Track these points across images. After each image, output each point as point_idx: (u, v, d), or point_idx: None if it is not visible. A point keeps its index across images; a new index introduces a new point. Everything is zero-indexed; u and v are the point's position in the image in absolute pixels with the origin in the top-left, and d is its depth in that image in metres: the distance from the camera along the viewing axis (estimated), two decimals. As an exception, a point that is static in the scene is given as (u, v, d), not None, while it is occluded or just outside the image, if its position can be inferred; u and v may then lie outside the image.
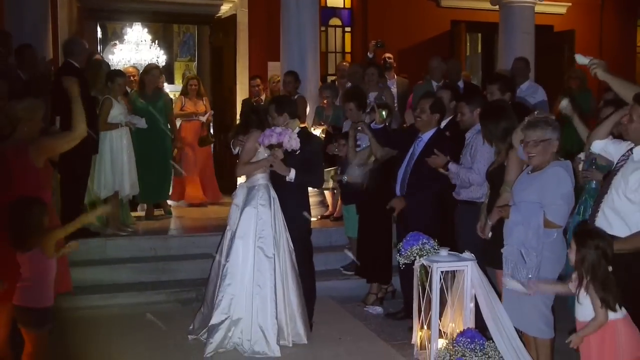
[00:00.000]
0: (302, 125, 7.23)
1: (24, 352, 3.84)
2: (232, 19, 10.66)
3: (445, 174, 5.04)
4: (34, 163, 4.17)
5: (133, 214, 7.51)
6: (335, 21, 12.11)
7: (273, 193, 5.02)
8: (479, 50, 14.18)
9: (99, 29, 12.05)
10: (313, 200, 7.57)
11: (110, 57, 15.36)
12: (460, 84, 7.81)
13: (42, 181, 4.28)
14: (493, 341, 4.18)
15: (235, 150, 5.28)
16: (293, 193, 5.08)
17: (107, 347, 4.94)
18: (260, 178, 5.01)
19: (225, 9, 11.17)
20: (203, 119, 8.52)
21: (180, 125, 8.44)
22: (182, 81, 13.37)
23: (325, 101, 7.57)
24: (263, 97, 8.62)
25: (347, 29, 12.12)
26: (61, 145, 4.38)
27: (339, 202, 7.29)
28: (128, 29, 16.01)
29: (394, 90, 8.19)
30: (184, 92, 8.71)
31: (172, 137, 7.83)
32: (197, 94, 8.63)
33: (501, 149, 4.54)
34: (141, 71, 8.24)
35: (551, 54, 10.69)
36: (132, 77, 8.03)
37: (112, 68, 8.52)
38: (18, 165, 4.15)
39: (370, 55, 8.70)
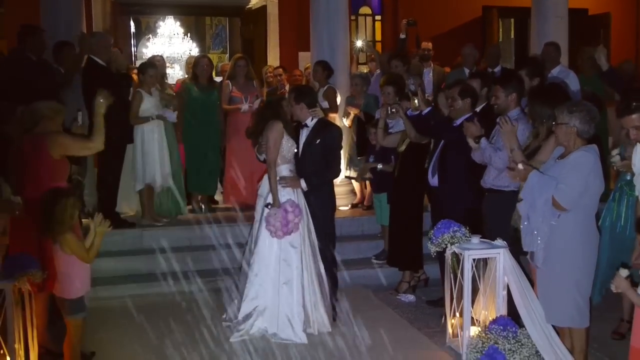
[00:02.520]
0: (333, 115, 7.28)
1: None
2: (262, 10, 10.73)
3: (474, 146, 4.97)
4: (50, 154, 4.36)
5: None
6: (365, 10, 12.07)
7: None
8: (512, 36, 13.97)
9: (132, 23, 12.17)
10: (343, 189, 7.62)
11: (143, 50, 15.57)
12: (498, 69, 7.73)
13: (57, 173, 4.44)
14: (525, 329, 4.17)
15: (262, 157, 5.18)
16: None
17: (142, 334, 5.05)
18: (284, 169, 5.04)
19: (255, 0, 11.23)
20: (245, 107, 7.26)
21: (230, 113, 7.50)
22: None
23: (355, 89, 7.53)
24: (287, 87, 8.58)
25: (377, 17, 12.06)
26: (76, 149, 4.58)
27: (369, 190, 7.29)
28: (161, 23, 16.20)
29: (430, 78, 8.14)
30: (231, 76, 7.57)
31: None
32: (246, 76, 7.51)
33: (541, 132, 4.53)
34: (192, 63, 7.77)
35: (586, 38, 10.47)
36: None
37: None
38: (34, 156, 4.35)
39: (402, 35, 8.58)
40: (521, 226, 4.07)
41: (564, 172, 3.86)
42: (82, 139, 4.73)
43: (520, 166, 4.05)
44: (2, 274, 3.71)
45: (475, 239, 4.53)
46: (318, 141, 5.06)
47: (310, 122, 5.17)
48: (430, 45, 8.84)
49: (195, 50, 16.36)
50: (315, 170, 5.09)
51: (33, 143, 4.41)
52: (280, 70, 8.91)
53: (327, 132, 5.14)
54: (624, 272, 3.33)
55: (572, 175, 3.84)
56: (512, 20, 13.44)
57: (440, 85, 8.07)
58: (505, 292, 4.44)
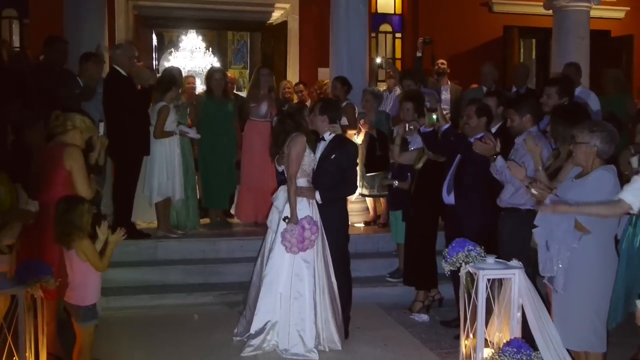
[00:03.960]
0: (352, 132, 7.27)
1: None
2: (283, 25, 10.79)
3: (492, 164, 4.93)
4: (64, 165, 4.39)
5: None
6: (385, 27, 12.10)
7: None
8: (533, 56, 13.91)
9: (154, 36, 12.31)
10: (357, 206, 7.60)
11: (165, 64, 15.71)
12: (524, 89, 7.68)
13: (69, 183, 4.45)
14: (540, 352, 4.08)
15: (280, 168, 5.11)
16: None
17: (152, 346, 5.04)
18: (302, 181, 5.01)
19: (276, 15, 11.32)
20: (263, 109, 7.14)
21: (246, 127, 7.41)
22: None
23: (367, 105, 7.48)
24: (308, 103, 8.58)
25: (398, 35, 12.08)
26: (80, 178, 4.46)
27: (385, 207, 7.25)
28: (183, 37, 16.36)
29: (447, 96, 8.12)
30: (255, 86, 7.43)
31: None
32: (269, 87, 7.38)
33: (562, 152, 4.50)
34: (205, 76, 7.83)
35: (608, 59, 10.40)
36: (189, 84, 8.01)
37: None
38: (54, 163, 4.41)
39: (419, 54, 8.61)
40: (538, 251, 4.02)
41: (586, 193, 3.80)
42: (87, 179, 4.62)
43: (533, 191, 4.01)
44: (15, 280, 3.72)
45: (491, 259, 4.46)
46: (333, 156, 5.05)
47: (328, 137, 5.16)
48: (445, 61, 8.82)
49: (216, 65, 16.49)
50: (330, 184, 5.07)
51: (54, 150, 4.46)
52: (302, 86, 8.94)
53: (342, 148, 5.12)
54: None
55: (594, 195, 3.78)
56: (534, 40, 13.38)
57: (458, 103, 8.05)
58: (519, 314, 4.35)
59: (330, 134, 5.17)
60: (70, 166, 4.39)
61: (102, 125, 5.69)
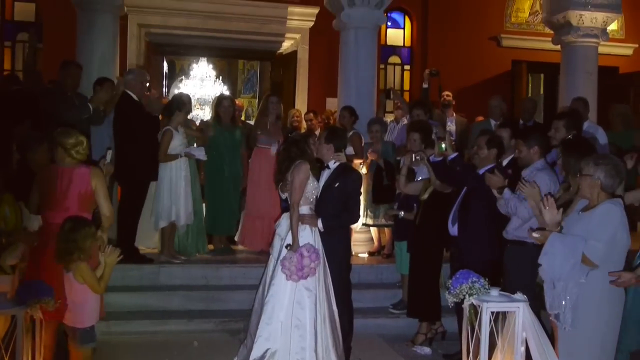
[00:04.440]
0: (358, 161, 7.27)
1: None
2: (292, 55, 10.90)
3: (498, 197, 4.93)
4: (91, 185, 4.44)
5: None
6: (394, 59, 12.20)
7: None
8: (542, 91, 13.97)
9: (165, 64, 12.44)
10: (361, 236, 7.57)
11: (175, 91, 15.86)
12: (531, 123, 7.70)
13: (87, 205, 4.50)
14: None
15: (284, 196, 5.11)
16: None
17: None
18: (305, 209, 4.99)
19: (286, 45, 11.44)
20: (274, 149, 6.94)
21: (253, 155, 7.38)
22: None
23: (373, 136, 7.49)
24: (317, 132, 8.61)
25: (407, 67, 12.17)
26: (104, 198, 4.58)
27: (389, 238, 7.22)
28: (194, 65, 16.54)
29: (452, 127, 8.13)
30: (263, 113, 7.43)
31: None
32: (277, 115, 7.38)
33: (573, 185, 4.50)
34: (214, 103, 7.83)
35: (617, 96, 10.42)
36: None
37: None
38: (75, 184, 4.43)
39: (425, 85, 8.65)
40: (545, 288, 3.97)
41: (592, 227, 3.78)
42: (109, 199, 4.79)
43: (535, 235, 4.00)
44: (15, 300, 3.71)
45: (495, 292, 4.40)
46: (337, 184, 5.04)
47: (333, 165, 5.16)
48: (450, 93, 8.86)
49: (225, 93, 16.62)
50: (333, 213, 5.05)
51: (76, 171, 4.49)
52: (311, 115, 8.99)
53: (346, 176, 5.11)
54: None
55: (601, 229, 3.75)
56: (542, 75, 13.46)
57: (463, 135, 8.07)
58: (523, 348, 4.29)
59: (335, 162, 5.17)
60: (95, 185, 4.42)
61: (110, 153, 5.73)
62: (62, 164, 4.49)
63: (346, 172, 5.17)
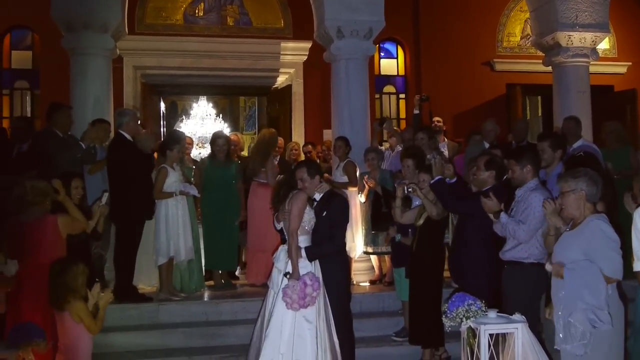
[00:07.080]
0: (353, 189, 7.28)
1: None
2: (287, 89, 11.00)
3: (494, 221, 4.90)
4: (60, 233, 4.51)
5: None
6: (389, 88, 12.28)
7: None
8: (539, 114, 13.99)
9: (162, 104, 12.56)
10: (362, 265, 7.53)
11: (176, 131, 15.97)
12: (524, 144, 7.71)
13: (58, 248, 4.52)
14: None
15: (279, 226, 5.14)
16: (332, 257, 5.06)
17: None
18: (302, 240, 4.99)
19: (281, 80, 11.55)
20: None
21: (253, 186, 7.50)
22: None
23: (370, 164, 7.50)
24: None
25: (402, 95, 12.25)
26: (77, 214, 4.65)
27: (389, 265, 7.18)
28: (194, 104, 16.68)
29: (445, 153, 8.14)
30: (270, 151, 7.62)
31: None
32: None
33: None
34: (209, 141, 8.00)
35: (612, 114, 10.43)
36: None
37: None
38: (45, 234, 4.49)
39: (416, 111, 8.69)
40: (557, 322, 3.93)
41: (598, 244, 3.74)
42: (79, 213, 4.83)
43: (547, 267, 4.02)
44: (6, 343, 3.69)
45: (492, 313, 4.36)
46: (325, 213, 5.02)
47: (318, 196, 5.17)
48: (441, 119, 8.89)
49: (227, 131, 16.71)
50: (315, 241, 5.02)
51: (45, 223, 4.54)
52: (310, 146, 9.01)
53: (332, 202, 5.11)
54: None
55: (608, 244, 3.75)
56: (539, 98, 13.50)
57: (453, 159, 8.06)
58: (524, 370, 4.23)
59: (319, 193, 5.17)
60: (62, 229, 4.45)
61: (105, 195, 5.75)
62: (27, 217, 4.54)
63: (331, 198, 5.17)
